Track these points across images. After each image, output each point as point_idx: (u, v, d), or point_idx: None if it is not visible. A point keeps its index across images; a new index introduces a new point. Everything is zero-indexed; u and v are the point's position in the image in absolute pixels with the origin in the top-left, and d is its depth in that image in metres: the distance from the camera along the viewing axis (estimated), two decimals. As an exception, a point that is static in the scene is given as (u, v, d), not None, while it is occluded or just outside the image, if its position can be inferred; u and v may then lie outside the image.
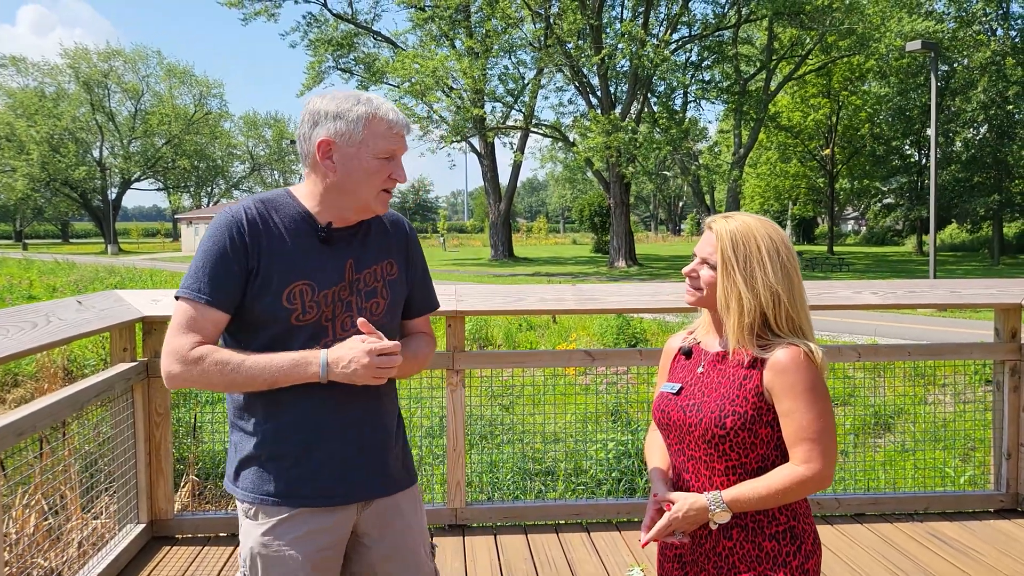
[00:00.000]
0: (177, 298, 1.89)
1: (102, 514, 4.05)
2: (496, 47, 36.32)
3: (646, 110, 37.24)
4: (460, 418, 3.99)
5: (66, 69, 59.50)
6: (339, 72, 40.91)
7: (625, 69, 35.79)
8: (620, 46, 33.28)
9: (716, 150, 37.32)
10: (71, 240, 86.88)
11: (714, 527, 1.85)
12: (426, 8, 37.11)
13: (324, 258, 1.92)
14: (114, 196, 62.91)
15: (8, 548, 3.95)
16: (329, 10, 40.11)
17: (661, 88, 36.97)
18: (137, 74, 61.80)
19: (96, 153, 60.97)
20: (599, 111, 34.34)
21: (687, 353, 1.98)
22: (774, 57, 37.36)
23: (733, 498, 1.80)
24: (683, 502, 1.83)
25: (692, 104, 38.99)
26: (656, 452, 2.05)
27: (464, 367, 3.97)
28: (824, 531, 3.94)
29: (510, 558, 3.69)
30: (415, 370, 2.16)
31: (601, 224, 48.78)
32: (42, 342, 2.71)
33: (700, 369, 1.92)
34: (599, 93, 35.99)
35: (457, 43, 38.00)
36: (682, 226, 73.12)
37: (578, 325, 12.73)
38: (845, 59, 38.18)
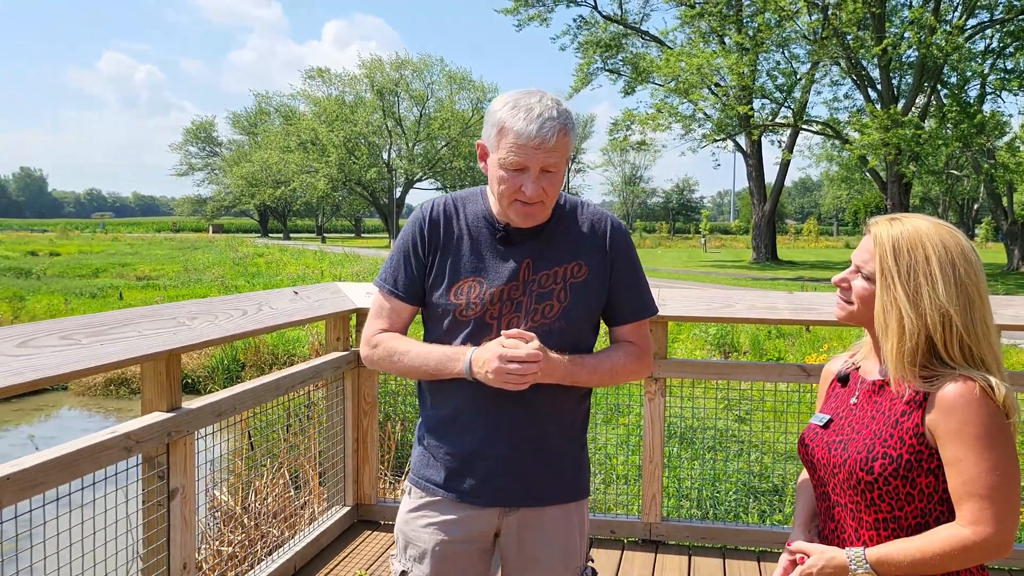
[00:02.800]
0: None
1: (324, 494, 4.34)
2: (767, 41, 34.76)
3: (934, 103, 33.86)
4: (659, 429, 3.82)
5: (363, 79, 65.10)
6: (607, 73, 41.30)
7: (911, 60, 32.81)
8: (906, 35, 30.53)
9: (1016, 146, 32.98)
10: (363, 235, 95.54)
11: None
12: (695, 5, 36.33)
13: (499, 257, 1.91)
14: (398, 195, 68.12)
15: (252, 517, 4.36)
16: (599, 12, 40.59)
17: (952, 79, 33.40)
18: (423, 81, 66.18)
19: (385, 155, 66.27)
20: (878, 105, 31.75)
21: (843, 380, 1.69)
22: (1097, 40, 32.41)
23: (880, 558, 1.49)
24: (819, 557, 1.55)
25: (990, 96, 34.83)
26: (805, 492, 1.77)
27: (664, 375, 3.79)
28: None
29: (700, 582, 3.47)
30: (603, 382, 1.99)
31: (878, 227, 44.97)
32: (245, 329, 2.92)
33: (853, 399, 1.63)
34: (879, 86, 33.31)
35: (726, 39, 36.87)
36: (975, 231, 65.33)
37: (833, 336, 11.82)
38: None
